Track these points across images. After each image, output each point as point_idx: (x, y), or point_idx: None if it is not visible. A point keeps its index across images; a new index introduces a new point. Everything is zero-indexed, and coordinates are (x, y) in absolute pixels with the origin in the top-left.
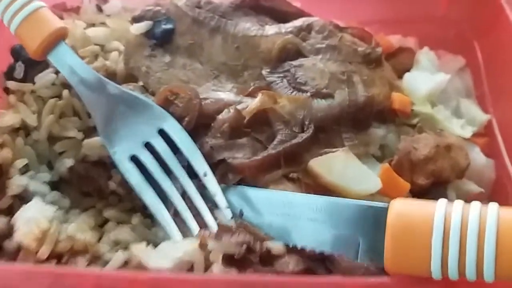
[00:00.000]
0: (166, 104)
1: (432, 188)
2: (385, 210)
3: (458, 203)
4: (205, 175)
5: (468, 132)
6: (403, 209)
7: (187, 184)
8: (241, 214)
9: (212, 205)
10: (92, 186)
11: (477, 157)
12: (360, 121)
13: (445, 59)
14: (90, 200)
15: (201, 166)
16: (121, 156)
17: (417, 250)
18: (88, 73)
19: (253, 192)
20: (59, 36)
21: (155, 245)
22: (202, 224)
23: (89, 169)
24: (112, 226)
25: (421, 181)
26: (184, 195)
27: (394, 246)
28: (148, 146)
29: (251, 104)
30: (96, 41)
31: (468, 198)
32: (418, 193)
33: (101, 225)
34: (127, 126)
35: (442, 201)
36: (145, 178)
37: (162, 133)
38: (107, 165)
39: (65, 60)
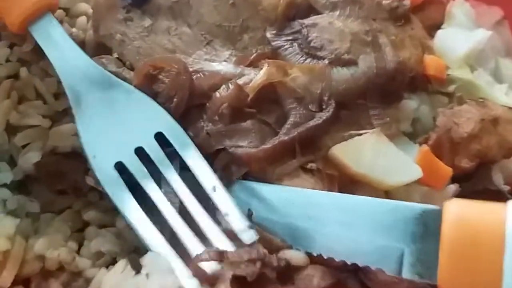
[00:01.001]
0: (148, 81)
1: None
2: (437, 215)
3: None
4: (214, 190)
5: None
6: (462, 213)
7: (187, 199)
8: (250, 214)
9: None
10: (66, 183)
11: None
12: (390, 93)
13: (479, 11)
14: (65, 200)
15: (209, 178)
16: (102, 162)
17: (483, 267)
18: (75, 52)
19: (263, 189)
20: (46, 7)
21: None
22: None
23: (60, 162)
24: (93, 232)
25: (465, 164)
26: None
27: (452, 260)
28: (140, 151)
29: (255, 78)
30: (60, 3)
31: None
32: (460, 177)
33: (81, 229)
34: (116, 124)
35: None
36: (132, 192)
37: (159, 136)
38: (82, 156)
39: (50, 34)
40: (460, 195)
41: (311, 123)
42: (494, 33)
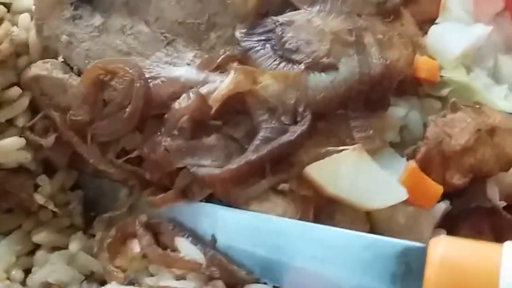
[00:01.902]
0: (97, 88)
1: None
2: (421, 253)
3: None
4: None
5: None
6: (450, 254)
7: None
8: (214, 241)
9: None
10: (12, 201)
11: None
12: (375, 101)
13: (477, 1)
14: (13, 220)
15: None
16: None
17: None
18: None
19: (228, 214)
20: None
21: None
22: None
23: (6, 179)
24: (42, 257)
25: (457, 180)
26: None
27: None
28: None
29: (220, 87)
30: None
31: None
32: (451, 193)
33: (32, 251)
34: None
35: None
36: None
37: None
38: (31, 172)
39: None
40: (450, 214)
41: (283, 139)
42: (494, 27)
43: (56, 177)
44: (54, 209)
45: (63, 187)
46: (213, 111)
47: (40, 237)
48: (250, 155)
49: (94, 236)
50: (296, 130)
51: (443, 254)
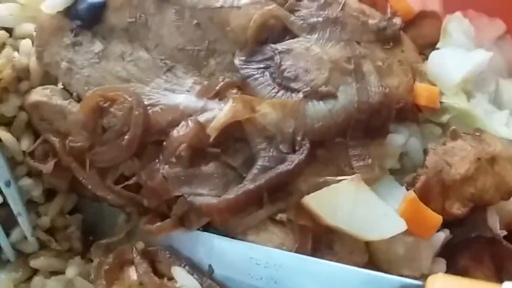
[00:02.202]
0: (97, 115)
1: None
2: None
3: None
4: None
5: None
6: None
7: None
8: (211, 271)
9: None
10: None
11: None
12: (374, 129)
13: (479, 25)
14: None
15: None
16: None
17: None
18: None
19: (226, 244)
20: None
21: None
22: None
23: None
24: (40, 283)
25: (457, 210)
26: None
27: None
28: None
29: (218, 116)
30: (2, 22)
31: None
32: (451, 222)
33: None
34: None
35: (510, 286)
36: None
37: None
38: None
39: None
40: (450, 243)
41: (281, 168)
42: (496, 51)
43: (55, 200)
44: (57, 247)
45: (62, 211)
46: (211, 139)
47: (38, 262)
48: (248, 185)
49: (92, 261)
50: (294, 160)
51: None
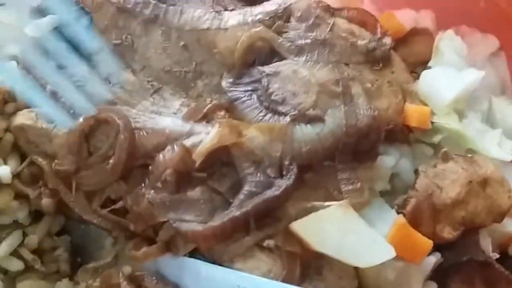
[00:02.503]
0: (83, 138)
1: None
2: None
3: None
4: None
5: (507, 153)
6: None
7: None
8: None
9: None
10: None
11: None
12: (363, 152)
13: (472, 42)
14: None
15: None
16: None
17: None
18: None
19: (213, 271)
20: None
21: None
22: None
23: None
24: None
25: (447, 234)
26: None
27: None
28: None
29: (204, 141)
30: None
31: (505, 241)
32: (442, 245)
33: None
34: None
35: None
36: None
37: None
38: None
39: None
40: (442, 266)
41: (269, 193)
42: (488, 68)
43: (42, 222)
44: (41, 269)
45: (49, 232)
46: (197, 164)
47: (25, 284)
48: (234, 211)
49: (79, 283)
50: (282, 185)
51: None
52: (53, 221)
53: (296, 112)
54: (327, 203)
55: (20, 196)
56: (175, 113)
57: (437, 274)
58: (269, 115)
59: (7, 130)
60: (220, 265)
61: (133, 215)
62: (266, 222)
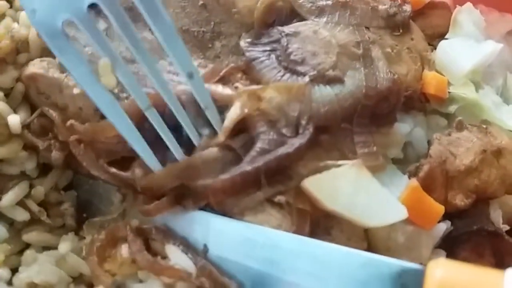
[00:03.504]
0: None
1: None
2: (419, 276)
3: None
4: (190, 76)
5: None
6: (449, 280)
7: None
8: (205, 251)
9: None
10: None
11: None
12: (381, 116)
13: (489, 19)
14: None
15: (185, 62)
16: (45, 18)
17: None
18: None
19: (222, 223)
20: None
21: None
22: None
23: None
24: (31, 257)
25: (459, 201)
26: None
27: None
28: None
29: (228, 116)
30: None
31: None
32: (453, 214)
33: (21, 250)
34: None
35: None
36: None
37: None
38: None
39: None
40: (451, 235)
41: (281, 150)
42: (505, 45)
43: (50, 175)
44: (47, 221)
45: (56, 186)
46: (223, 139)
47: (30, 236)
48: (245, 167)
49: (85, 238)
50: (295, 143)
51: (442, 278)
52: (60, 175)
53: (316, 72)
54: (340, 162)
55: (29, 147)
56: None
57: (446, 242)
58: (287, 75)
59: (18, 80)
60: (230, 218)
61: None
62: (278, 179)
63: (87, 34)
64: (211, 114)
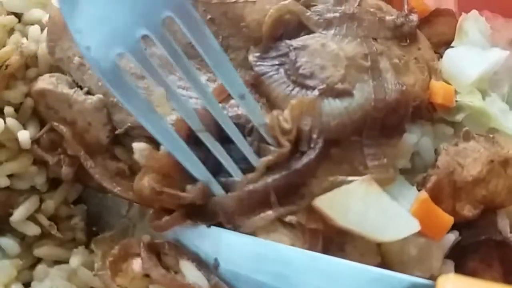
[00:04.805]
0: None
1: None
2: None
3: None
4: (242, 98)
5: None
6: None
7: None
8: (216, 265)
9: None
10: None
11: None
12: (391, 127)
13: (494, 26)
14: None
15: (236, 84)
16: (100, 53)
17: None
18: None
19: (233, 238)
20: None
21: None
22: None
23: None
24: (42, 271)
25: (467, 212)
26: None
27: None
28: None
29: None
30: (11, 7)
31: None
32: (461, 224)
33: (33, 265)
34: (114, 4)
35: None
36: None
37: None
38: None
39: None
40: (459, 245)
41: (294, 167)
42: (510, 52)
43: (60, 189)
44: (57, 234)
45: (66, 200)
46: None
47: (41, 251)
48: (254, 185)
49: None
50: (303, 159)
51: None
52: (70, 189)
53: (325, 86)
54: (350, 178)
55: (38, 162)
56: None
57: (454, 252)
58: (297, 89)
59: (27, 95)
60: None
61: None
62: (290, 199)
63: (140, 66)
64: (266, 132)
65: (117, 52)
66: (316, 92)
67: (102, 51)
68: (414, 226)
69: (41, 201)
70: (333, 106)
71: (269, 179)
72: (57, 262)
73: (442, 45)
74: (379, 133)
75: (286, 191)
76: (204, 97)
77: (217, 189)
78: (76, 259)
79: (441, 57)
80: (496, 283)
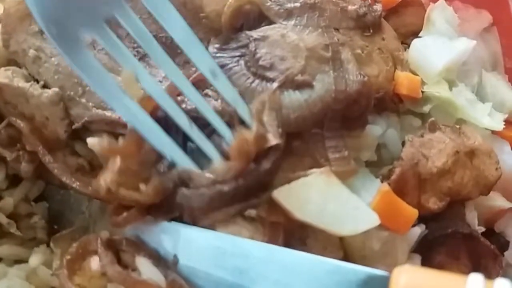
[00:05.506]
0: None
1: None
2: (384, 283)
3: (505, 284)
4: (213, 74)
5: (498, 123)
6: (413, 285)
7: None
8: (175, 262)
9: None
10: None
11: (507, 159)
12: (352, 119)
13: (465, 16)
14: None
15: (205, 60)
16: (65, 37)
17: None
18: None
19: (192, 233)
20: None
21: None
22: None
23: None
24: (1, 271)
25: (433, 204)
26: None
27: None
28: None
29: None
30: None
31: (492, 216)
32: (427, 217)
33: None
34: None
35: (476, 278)
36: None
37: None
38: None
39: None
40: (426, 239)
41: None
42: (480, 43)
43: (20, 186)
44: (17, 233)
45: (27, 198)
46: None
47: (0, 249)
48: (218, 187)
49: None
50: (270, 157)
51: (406, 285)
52: (31, 186)
53: (284, 77)
54: (309, 171)
55: None
56: (160, 81)
57: (421, 246)
58: (256, 81)
59: None
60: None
61: None
62: (253, 192)
63: (106, 46)
64: (243, 110)
65: (83, 32)
66: (275, 84)
67: (66, 32)
68: (373, 219)
69: (0, 198)
70: (293, 98)
71: (240, 181)
72: (18, 261)
73: (410, 35)
74: (340, 125)
75: (252, 187)
76: (176, 78)
77: (192, 167)
78: (36, 258)
79: (409, 47)
80: (449, 273)
